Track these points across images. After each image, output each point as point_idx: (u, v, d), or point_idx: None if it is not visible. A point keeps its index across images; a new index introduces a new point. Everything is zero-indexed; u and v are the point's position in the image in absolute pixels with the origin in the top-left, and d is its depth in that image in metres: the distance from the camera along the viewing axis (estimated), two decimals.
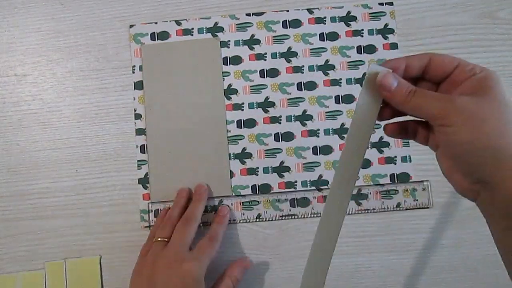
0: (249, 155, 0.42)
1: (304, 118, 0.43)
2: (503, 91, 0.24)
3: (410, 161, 0.42)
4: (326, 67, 0.43)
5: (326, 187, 0.42)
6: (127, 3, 0.44)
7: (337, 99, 0.43)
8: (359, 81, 0.43)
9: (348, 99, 0.43)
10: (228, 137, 0.42)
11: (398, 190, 0.42)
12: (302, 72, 0.43)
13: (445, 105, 0.24)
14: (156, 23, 0.44)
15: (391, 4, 0.43)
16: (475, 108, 0.23)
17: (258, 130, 0.43)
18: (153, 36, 0.43)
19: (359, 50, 0.43)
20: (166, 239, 0.38)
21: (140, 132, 0.43)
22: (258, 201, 0.42)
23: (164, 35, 0.43)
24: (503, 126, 0.23)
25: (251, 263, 0.41)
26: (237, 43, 0.43)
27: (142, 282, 0.36)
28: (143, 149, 0.42)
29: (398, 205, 0.42)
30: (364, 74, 0.43)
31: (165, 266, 0.36)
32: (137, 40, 0.43)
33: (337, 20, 0.43)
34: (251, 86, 0.43)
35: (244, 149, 0.43)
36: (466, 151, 0.23)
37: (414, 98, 0.25)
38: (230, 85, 0.43)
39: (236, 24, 0.43)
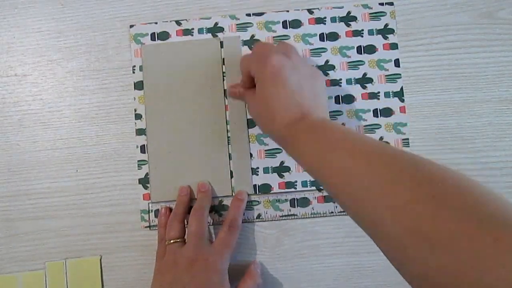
0: (249, 155, 0.42)
1: None
2: (264, 88, 0.34)
3: None
4: (326, 68, 0.43)
5: None
6: (127, 3, 0.44)
7: (337, 99, 0.43)
8: (359, 81, 0.43)
9: (348, 99, 0.43)
10: (228, 137, 0.42)
11: None
12: None
13: (246, 99, 0.39)
14: (156, 23, 0.44)
15: (391, 4, 0.43)
16: (253, 99, 0.36)
17: (258, 130, 0.43)
18: (153, 36, 0.43)
19: (359, 50, 0.43)
20: (178, 240, 0.38)
21: (140, 132, 0.43)
22: (258, 201, 0.42)
23: (164, 35, 0.43)
24: (265, 109, 0.35)
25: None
26: None
27: (165, 281, 0.36)
28: (143, 149, 0.42)
29: None
30: (365, 74, 0.43)
31: (188, 265, 0.36)
32: (137, 40, 0.43)
33: (337, 20, 0.43)
34: None
35: None
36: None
37: (243, 97, 0.40)
38: None
39: (236, 24, 0.43)
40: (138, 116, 0.43)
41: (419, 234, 0.22)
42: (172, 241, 0.38)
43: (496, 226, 0.20)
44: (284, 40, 0.43)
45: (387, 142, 0.42)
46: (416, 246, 0.22)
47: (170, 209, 0.41)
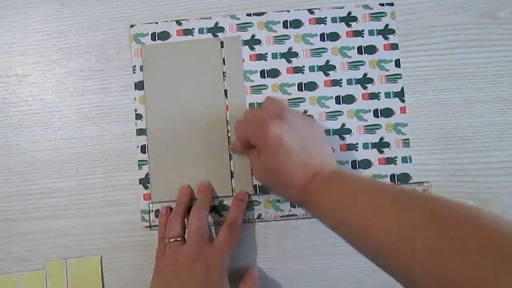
0: None
1: None
2: (270, 158, 0.33)
3: (411, 161, 0.42)
4: (327, 68, 0.43)
5: None
6: (127, 3, 0.44)
7: (338, 100, 0.43)
8: (359, 81, 0.43)
9: (349, 99, 0.43)
10: (228, 137, 0.42)
11: None
12: (303, 73, 0.43)
13: (250, 161, 0.38)
14: (156, 23, 0.44)
15: (391, 4, 0.43)
16: (257, 163, 0.35)
17: None
18: (153, 36, 0.43)
19: (360, 50, 0.43)
20: (179, 238, 0.38)
21: (140, 132, 0.43)
22: (258, 201, 0.42)
23: (164, 35, 0.43)
24: (275, 178, 0.34)
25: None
26: None
27: (165, 280, 0.36)
28: (143, 149, 0.43)
29: None
30: (365, 74, 0.43)
31: (188, 264, 0.36)
32: (138, 40, 0.43)
33: (337, 20, 0.43)
34: (251, 87, 0.43)
35: None
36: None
37: (245, 155, 0.39)
38: None
39: (237, 24, 0.44)
40: (138, 116, 0.43)
41: (446, 280, 0.22)
42: (172, 240, 0.38)
43: None
44: (270, 97, 0.38)
45: (388, 143, 0.42)
46: None
47: (171, 209, 0.41)
